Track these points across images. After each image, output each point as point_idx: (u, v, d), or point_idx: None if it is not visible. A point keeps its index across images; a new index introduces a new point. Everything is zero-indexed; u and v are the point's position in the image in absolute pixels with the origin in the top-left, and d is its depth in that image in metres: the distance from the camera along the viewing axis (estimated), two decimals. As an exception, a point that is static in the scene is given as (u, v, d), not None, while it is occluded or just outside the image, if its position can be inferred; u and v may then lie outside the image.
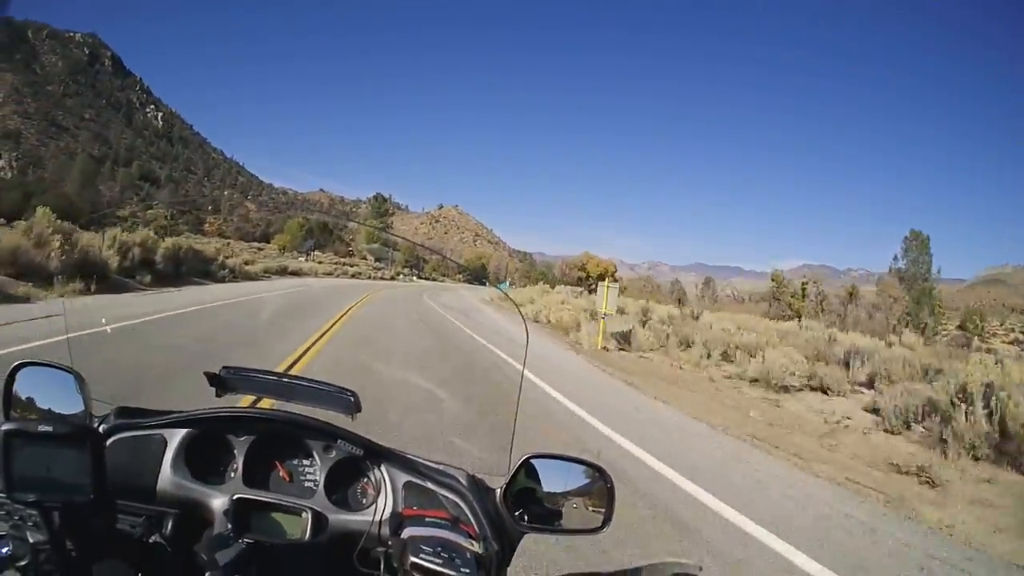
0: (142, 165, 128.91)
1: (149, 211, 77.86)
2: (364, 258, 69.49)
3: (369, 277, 50.49)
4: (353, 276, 46.01)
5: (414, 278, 67.64)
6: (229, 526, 0.95)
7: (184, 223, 78.03)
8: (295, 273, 32.72)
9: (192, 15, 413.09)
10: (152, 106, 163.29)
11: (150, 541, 0.94)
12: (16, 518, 0.81)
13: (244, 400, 2.02)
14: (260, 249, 59.12)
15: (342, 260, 60.29)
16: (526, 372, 7.48)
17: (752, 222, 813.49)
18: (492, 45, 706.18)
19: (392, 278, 58.26)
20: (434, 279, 73.07)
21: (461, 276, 75.21)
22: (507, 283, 29.68)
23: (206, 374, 1.16)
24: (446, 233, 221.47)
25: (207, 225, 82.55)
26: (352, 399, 1.16)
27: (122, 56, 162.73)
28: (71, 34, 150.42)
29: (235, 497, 0.98)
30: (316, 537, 0.98)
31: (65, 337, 1.91)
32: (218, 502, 1.00)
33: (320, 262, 51.19)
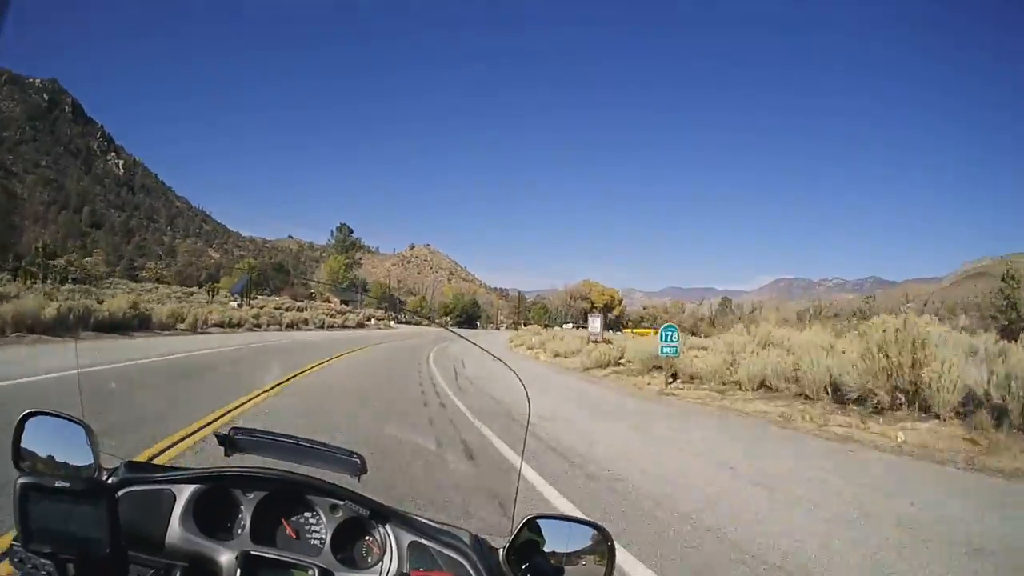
0: (94, 211, 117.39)
1: (87, 259, 65.56)
2: (327, 300, 56.86)
3: (322, 326, 37.76)
4: (291, 325, 33.05)
5: (391, 323, 54.95)
6: None
7: (119, 270, 65.94)
8: (120, 327, 17.49)
9: (157, 64, 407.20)
10: (113, 153, 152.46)
11: None
12: (30, 566, 0.83)
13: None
14: (191, 294, 47.29)
15: (296, 304, 47.66)
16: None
17: (721, 243, 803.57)
18: (456, 85, 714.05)
19: (359, 324, 45.58)
20: (416, 323, 60.34)
21: (449, 318, 62.96)
22: (675, 336, 13.61)
23: (216, 435, 1.16)
24: (419, 273, 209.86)
25: (145, 271, 70.05)
26: (358, 461, 1.15)
27: (83, 103, 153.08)
28: (30, 79, 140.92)
29: (244, 553, 0.99)
30: None
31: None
32: (225, 557, 1.01)
33: (262, 307, 38.81)
